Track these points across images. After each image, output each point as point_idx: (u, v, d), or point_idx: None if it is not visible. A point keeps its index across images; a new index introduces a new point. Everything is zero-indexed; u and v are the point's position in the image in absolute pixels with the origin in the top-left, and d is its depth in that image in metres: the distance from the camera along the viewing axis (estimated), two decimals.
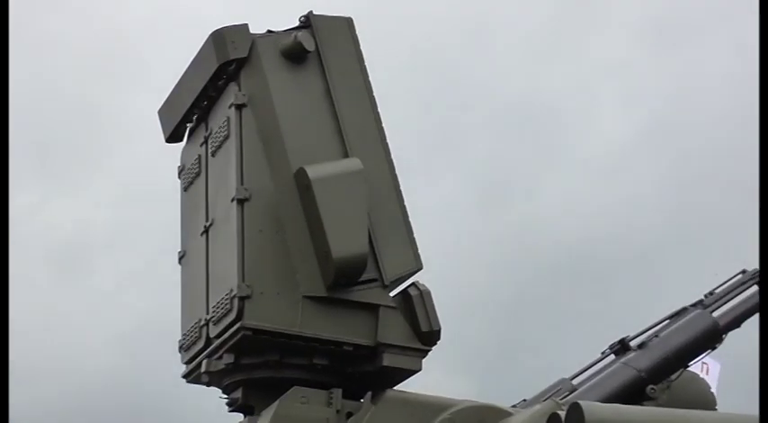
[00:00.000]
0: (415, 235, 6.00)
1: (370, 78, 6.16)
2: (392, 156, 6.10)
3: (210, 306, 5.91)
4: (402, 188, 6.05)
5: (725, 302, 8.16)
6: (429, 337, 5.86)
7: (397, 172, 6.06)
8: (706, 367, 8.11)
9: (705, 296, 8.24)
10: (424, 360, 5.88)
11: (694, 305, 8.18)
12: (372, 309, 5.82)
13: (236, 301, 5.63)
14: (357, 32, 6.20)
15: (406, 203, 6.05)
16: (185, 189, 6.49)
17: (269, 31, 6.12)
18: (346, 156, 5.97)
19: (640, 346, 7.91)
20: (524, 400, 7.68)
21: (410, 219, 6.01)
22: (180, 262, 6.43)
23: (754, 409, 5.39)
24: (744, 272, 8.25)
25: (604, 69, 23.61)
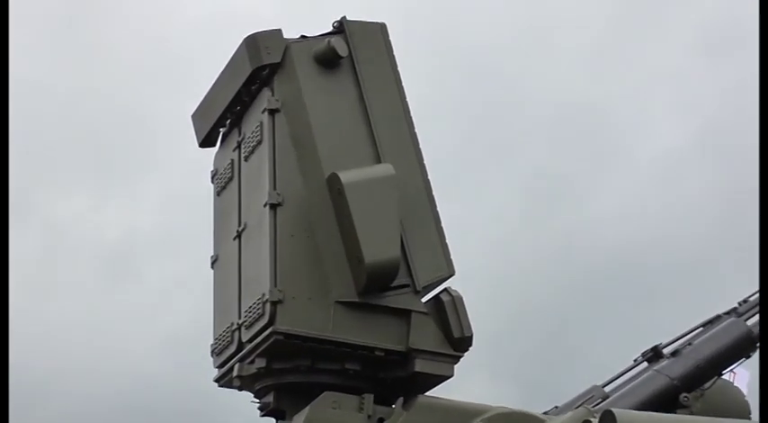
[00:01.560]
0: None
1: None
2: (425, 161, 6.09)
3: (243, 310, 5.92)
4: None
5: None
6: (461, 342, 5.85)
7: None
8: (734, 376, 8.03)
9: (739, 304, 8.18)
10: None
11: (728, 313, 8.12)
12: (404, 314, 5.81)
13: (267, 306, 5.64)
14: (390, 37, 6.21)
15: (439, 209, 6.04)
16: (218, 194, 6.50)
17: (302, 37, 6.13)
18: (379, 161, 5.97)
19: (673, 353, 7.86)
20: (556, 407, 7.65)
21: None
22: (212, 266, 6.45)
23: None
24: None
25: (659, 76, 23.48)
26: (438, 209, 6.06)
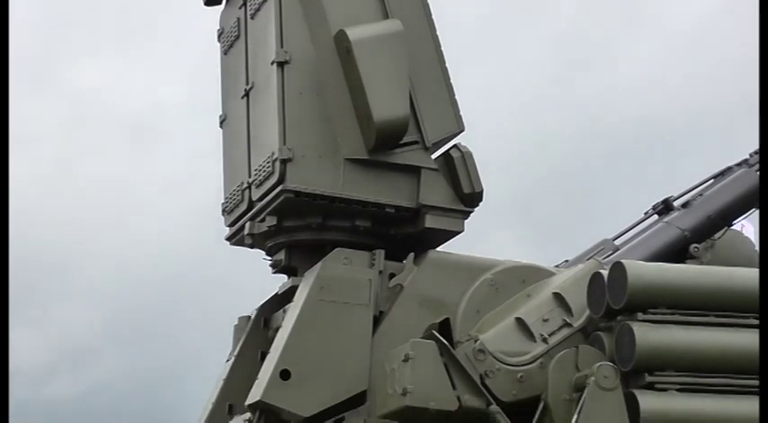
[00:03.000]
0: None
1: None
2: (433, 17, 6.02)
3: (252, 169, 5.95)
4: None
5: None
6: (471, 198, 5.88)
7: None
8: (742, 227, 8.02)
9: (750, 155, 8.11)
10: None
11: (739, 164, 8.07)
12: (414, 171, 5.83)
13: (277, 164, 5.66)
14: None
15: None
16: (225, 52, 6.46)
17: None
18: (386, 17, 5.91)
19: (684, 205, 7.85)
20: (566, 261, 7.69)
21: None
22: (221, 125, 6.45)
23: None
24: None
25: None
26: (447, 65, 6.02)
